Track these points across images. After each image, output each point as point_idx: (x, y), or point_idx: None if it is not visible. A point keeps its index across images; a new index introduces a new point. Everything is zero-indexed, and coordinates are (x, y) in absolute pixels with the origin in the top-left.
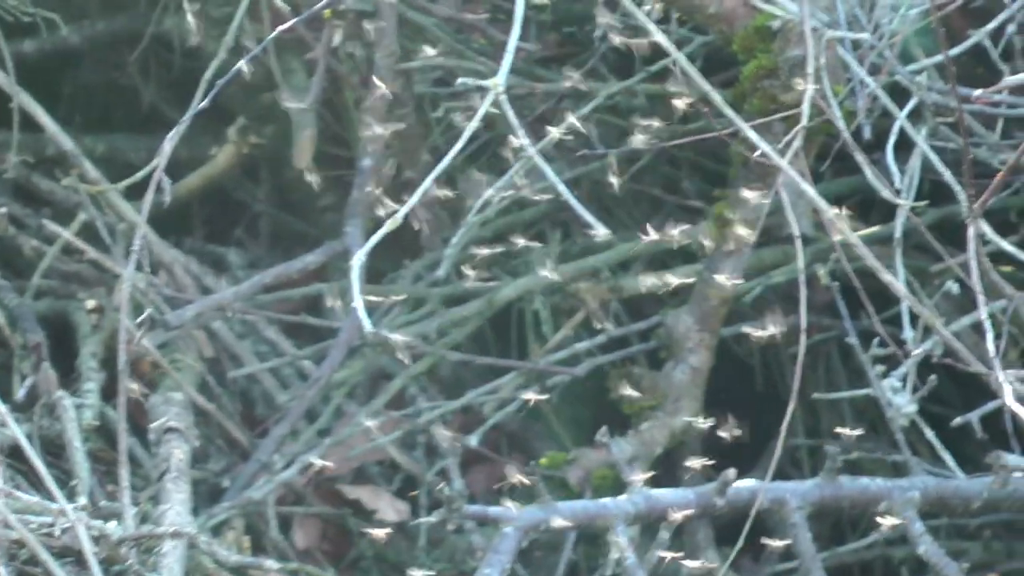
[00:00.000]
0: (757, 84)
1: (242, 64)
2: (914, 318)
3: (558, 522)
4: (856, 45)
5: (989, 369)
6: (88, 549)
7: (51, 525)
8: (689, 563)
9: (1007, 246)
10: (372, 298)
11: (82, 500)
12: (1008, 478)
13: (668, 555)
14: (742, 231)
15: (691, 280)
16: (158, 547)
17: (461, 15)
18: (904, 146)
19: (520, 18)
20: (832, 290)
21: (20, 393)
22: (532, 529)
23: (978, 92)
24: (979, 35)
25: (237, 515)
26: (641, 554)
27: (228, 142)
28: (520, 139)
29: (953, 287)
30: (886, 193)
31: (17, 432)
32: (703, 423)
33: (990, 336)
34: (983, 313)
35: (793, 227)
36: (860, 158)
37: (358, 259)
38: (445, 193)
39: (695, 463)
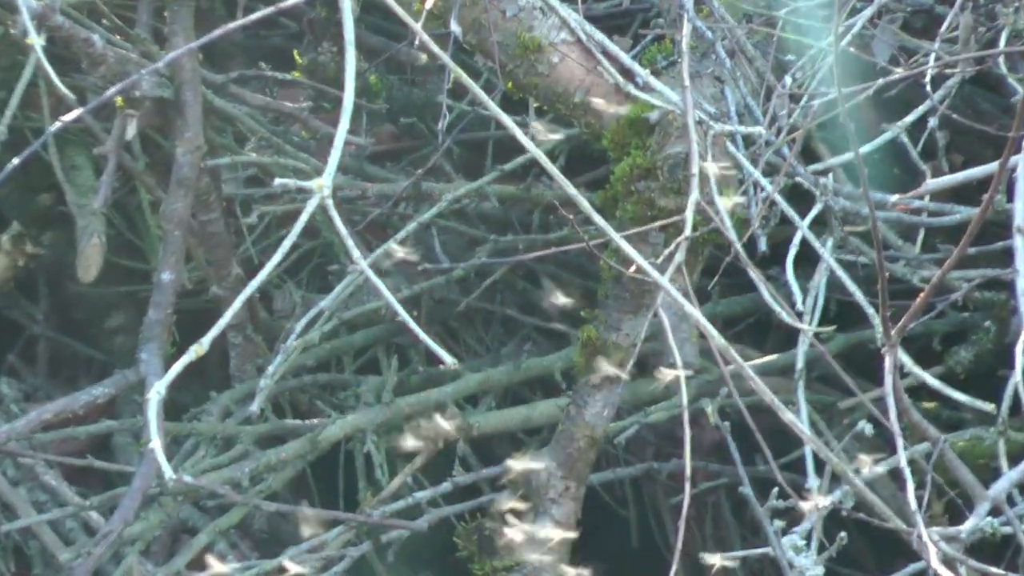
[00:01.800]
0: (631, 186)
1: (18, 161)
2: (820, 464)
3: None
4: (749, 141)
5: (910, 525)
6: None
7: None
8: None
9: (930, 379)
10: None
11: None
12: None
13: None
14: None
15: (554, 417)
16: None
17: (279, 104)
18: (807, 260)
19: (349, 107)
20: (722, 430)
21: None
22: None
23: (895, 198)
24: (896, 130)
25: None
26: None
27: (0, 251)
28: (349, 250)
29: (866, 427)
30: (785, 316)
31: None
32: None
33: (910, 486)
34: (902, 458)
35: (675, 356)
36: (754, 274)
37: (155, 392)
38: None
39: None
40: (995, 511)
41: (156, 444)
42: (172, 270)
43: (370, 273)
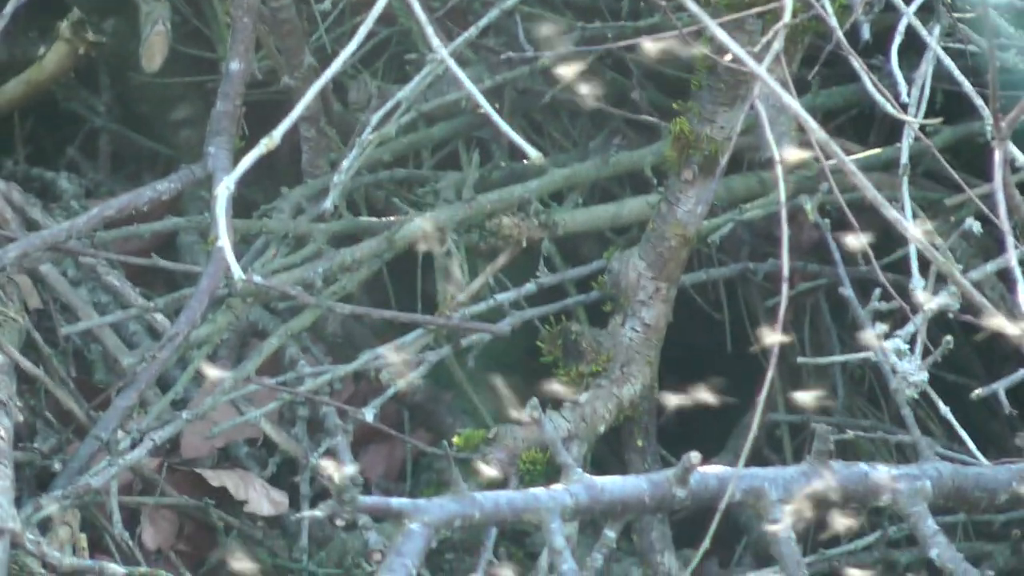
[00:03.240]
0: None
1: None
2: (925, 264)
3: (476, 517)
4: None
5: (1020, 328)
6: None
7: None
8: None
9: None
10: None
11: None
12: None
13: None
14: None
15: (644, 215)
16: None
17: None
18: (912, 49)
19: None
20: (821, 228)
21: None
22: (444, 526)
23: None
24: None
25: (71, 507)
26: (581, 557)
27: (59, 39)
28: (429, 38)
29: (974, 225)
30: (889, 108)
31: None
32: (658, 393)
33: (1021, 287)
34: (1012, 258)
35: (772, 150)
36: (857, 64)
37: (224, 187)
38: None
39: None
40: None
41: (224, 242)
42: (241, 59)
43: (451, 62)
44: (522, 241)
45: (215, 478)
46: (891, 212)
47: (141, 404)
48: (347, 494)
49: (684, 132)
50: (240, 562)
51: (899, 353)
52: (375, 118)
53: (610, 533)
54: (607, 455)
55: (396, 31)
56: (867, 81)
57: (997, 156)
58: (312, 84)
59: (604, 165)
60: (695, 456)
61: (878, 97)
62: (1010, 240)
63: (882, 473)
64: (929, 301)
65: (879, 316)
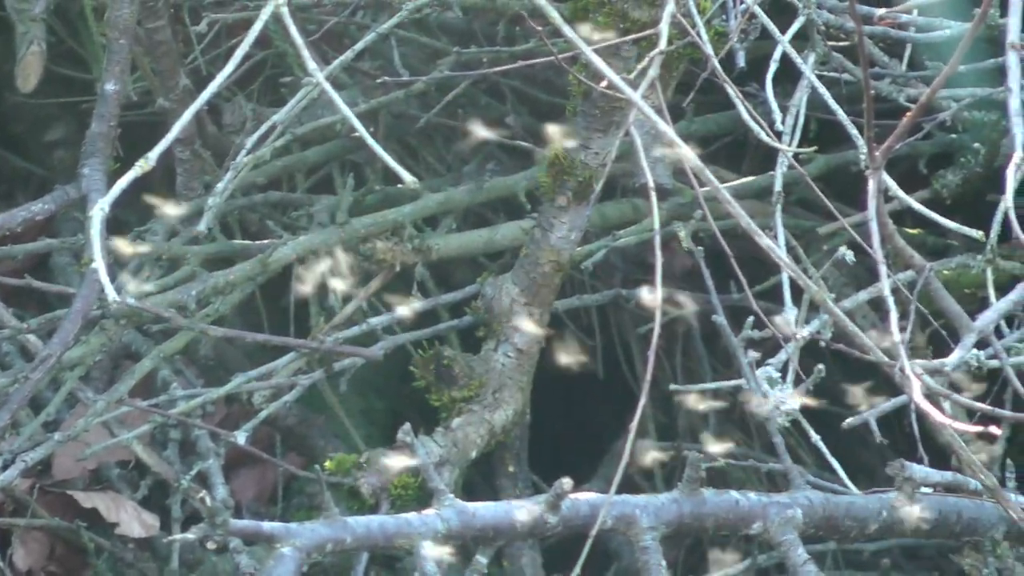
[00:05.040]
0: None
1: None
2: (797, 292)
3: (348, 541)
4: None
5: (891, 358)
6: None
7: None
8: None
9: (915, 204)
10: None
11: None
12: (913, 494)
13: None
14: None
15: (518, 240)
16: None
17: None
18: (787, 77)
19: None
20: (694, 255)
21: None
22: (315, 550)
23: (881, 11)
24: None
25: None
26: None
27: None
28: (304, 61)
29: (847, 254)
30: (763, 135)
31: None
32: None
33: (893, 316)
34: (885, 287)
35: (646, 176)
36: (731, 91)
37: (99, 209)
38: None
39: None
40: (982, 343)
41: (99, 264)
42: (116, 80)
43: (326, 85)
44: (396, 265)
45: (86, 500)
46: (764, 240)
47: (13, 425)
48: (218, 517)
49: (559, 158)
50: None
51: (771, 381)
52: (250, 141)
53: (481, 559)
54: (478, 481)
55: (271, 54)
56: (742, 109)
57: (871, 185)
58: (187, 106)
59: (478, 190)
60: (567, 482)
61: (752, 125)
62: (882, 269)
63: (753, 502)
64: (801, 329)
65: (751, 344)
